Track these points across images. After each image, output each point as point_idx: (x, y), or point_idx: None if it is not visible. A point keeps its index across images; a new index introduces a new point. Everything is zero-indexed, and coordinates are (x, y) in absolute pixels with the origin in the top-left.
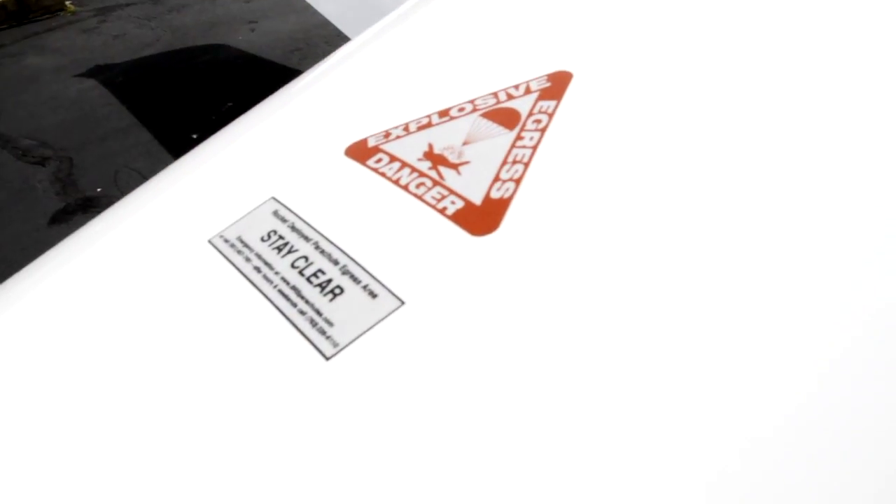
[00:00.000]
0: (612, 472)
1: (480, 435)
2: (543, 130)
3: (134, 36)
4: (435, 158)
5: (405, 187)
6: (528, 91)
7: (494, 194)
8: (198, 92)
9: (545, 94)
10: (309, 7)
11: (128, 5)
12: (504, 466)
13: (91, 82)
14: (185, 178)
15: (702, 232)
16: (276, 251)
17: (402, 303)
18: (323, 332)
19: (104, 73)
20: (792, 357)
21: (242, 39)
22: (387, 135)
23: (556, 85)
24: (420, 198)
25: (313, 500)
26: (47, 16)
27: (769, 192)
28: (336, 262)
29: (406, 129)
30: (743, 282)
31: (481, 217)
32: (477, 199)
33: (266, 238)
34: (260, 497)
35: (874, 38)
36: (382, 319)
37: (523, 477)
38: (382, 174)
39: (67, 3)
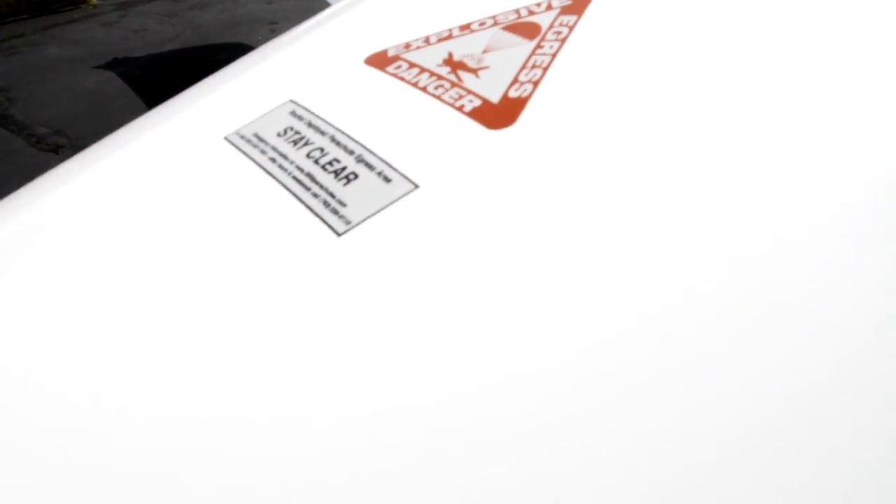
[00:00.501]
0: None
1: (482, 310)
2: (563, 41)
3: (154, 31)
4: (454, 64)
5: (423, 89)
6: (549, 7)
7: (512, 94)
8: None
9: (566, 10)
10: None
11: (149, 1)
12: (500, 345)
13: (109, 74)
14: (208, 91)
15: (700, 150)
16: (291, 144)
17: (416, 186)
18: (335, 212)
19: (122, 67)
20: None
21: (262, 40)
22: (407, 45)
23: (578, 2)
24: (438, 97)
25: (325, 365)
26: (69, 7)
27: (774, 134)
28: (351, 152)
29: (426, 40)
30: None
31: (498, 113)
32: (495, 98)
33: (282, 133)
34: (277, 361)
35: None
36: (396, 201)
37: (519, 358)
38: (401, 78)
39: None
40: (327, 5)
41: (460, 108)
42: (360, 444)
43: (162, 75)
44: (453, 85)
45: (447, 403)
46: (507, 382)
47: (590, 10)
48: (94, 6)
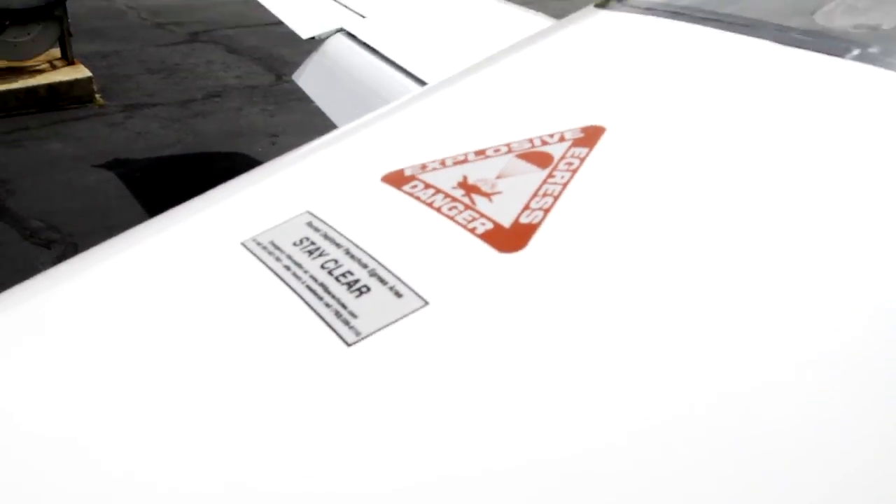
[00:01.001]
0: (621, 474)
1: (488, 432)
2: (574, 171)
3: (157, 135)
4: (469, 187)
5: (437, 209)
6: (562, 139)
7: (523, 219)
8: None
9: (578, 142)
10: (331, 127)
11: (155, 105)
12: (502, 468)
13: (108, 174)
14: (225, 196)
15: (710, 274)
16: (307, 254)
17: (426, 303)
18: (346, 323)
19: (122, 167)
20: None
21: (261, 151)
22: (424, 167)
23: (590, 136)
24: (451, 218)
25: (331, 477)
26: (76, 105)
27: (778, 274)
28: (365, 266)
29: (443, 163)
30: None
31: (509, 237)
32: (506, 223)
33: (298, 243)
34: (282, 472)
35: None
36: (406, 316)
37: (517, 483)
38: (416, 197)
39: (97, 95)
40: (331, 122)
41: (472, 231)
42: None
43: (161, 178)
44: (467, 207)
45: None
46: None
47: (601, 144)
48: (101, 106)
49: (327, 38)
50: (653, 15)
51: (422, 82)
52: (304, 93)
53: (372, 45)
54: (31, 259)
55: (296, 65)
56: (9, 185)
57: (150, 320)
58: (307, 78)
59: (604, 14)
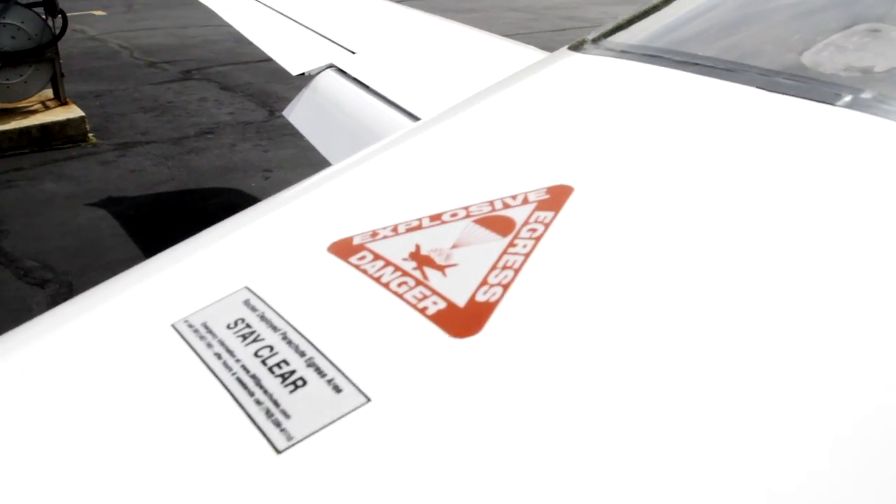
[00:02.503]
0: None
1: None
2: (538, 239)
3: (150, 172)
4: (421, 259)
5: (386, 285)
6: (525, 202)
7: (480, 297)
8: None
9: (543, 206)
10: (324, 162)
11: (148, 143)
12: None
13: (102, 212)
14: (164, 267)
15: (686, 352)
16: (240, 339)
17: (368, 400)
18: (278, 424)
19: (116, 205)
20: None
21: (255, 186)
22: (374, 234)
23: (555, 197)
24: (400, 296)
25: None
26: (69, 145)
27: (765, 318)
28: (302, 354)
29: (395, 230)
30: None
31: (463, 319)
32: (460, 301)
33: (232, 325)
34: None
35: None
36: (344, 416)
37: None
38: (364, 271)
39: (90, 134)
40: (324, 159)
41: (423, 311)
42: None
43: (155, 216)
44: (418, 283)
45: None
46: None
47: (567, 207)
48: (94, 144)
49: (318, 73)
50: (628, 59)
51: (413, 116)
52: (295, 129)
53: (362, 80)
54: (26, 299)
55: (288, 100)
56: (3, 226)
57: (61, 421)
58: (298, 113)
59: (577, 58)
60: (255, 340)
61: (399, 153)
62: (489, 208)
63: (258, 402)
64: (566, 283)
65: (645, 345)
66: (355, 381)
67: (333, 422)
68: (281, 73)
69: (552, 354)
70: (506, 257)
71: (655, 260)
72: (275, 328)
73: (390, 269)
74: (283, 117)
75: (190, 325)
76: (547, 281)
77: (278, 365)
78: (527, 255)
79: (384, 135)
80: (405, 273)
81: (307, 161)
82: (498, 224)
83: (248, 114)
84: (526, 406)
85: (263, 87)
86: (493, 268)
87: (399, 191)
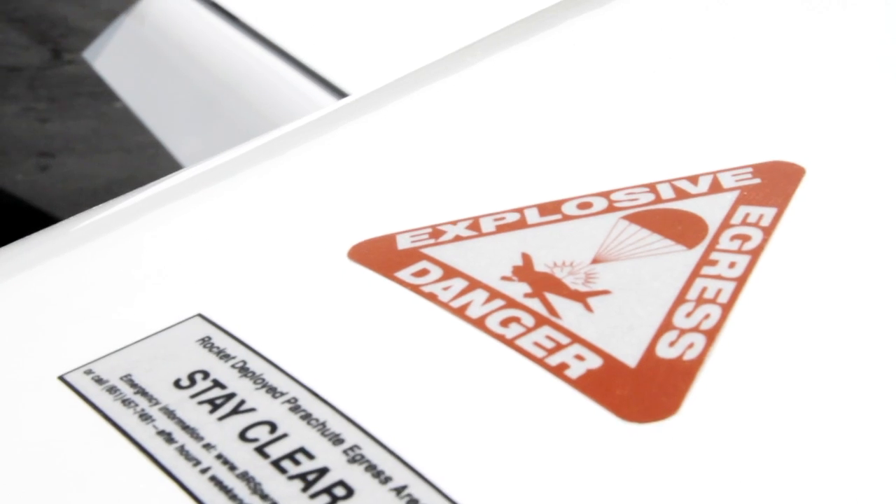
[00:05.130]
0: None
1: None
2: (756, 253)
3: None
4: (538, 280)
5: (479, 322)
6: (717, 187)
7: (664, 352)
8: None
9: (753, 196)
10: (144, 147)
11: None
12: None
13: None
14: (37, 274)
15: None
16: (206, 407)
17: None
18: None
19: None
20: None
21: (23, 181)
22: (435, 232)
23: (774, 182)
24: (512, 343)
25: None
26: None
27: None
28: (338, 439)
29: (475, 226)
30: None
31: (640, 389)
32: (629, 357)
33: (186, 383)
34: None
35: None
36: None
37: None
38: (432, 297)
39: None
40: (146, 128)
41: (559, 371)
42: None
43: None
44: (541, 322)
45: None
46: None
47: (798, 200)
48: None
49: None
50: None
51: (317, 76)
52: (101, 82)
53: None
54: None
55: (89, 34)
56: None
57: None
58: (109, 57)
59: None
60: (235, 411)
61: (447, 83)
62: (650, 196)
63: None
64: (814, 325)
65: None
66: (450, 493)
67: None
68: None
69: (796, 447)
70: (701, 281)
71: None
72: (273, 391)
73: (482, 293)
74: (78, 63)
75: (99, 380)
76: (781, 324)
77: (292, 457)
78: (740, 280)
79: (266, 92)
80: (512, 304)
81: (115, 141)
82: (673, 224)
83: (13, 54)
84: None
85: (45, 7)
86: (681, 299)
87: (472, 156)
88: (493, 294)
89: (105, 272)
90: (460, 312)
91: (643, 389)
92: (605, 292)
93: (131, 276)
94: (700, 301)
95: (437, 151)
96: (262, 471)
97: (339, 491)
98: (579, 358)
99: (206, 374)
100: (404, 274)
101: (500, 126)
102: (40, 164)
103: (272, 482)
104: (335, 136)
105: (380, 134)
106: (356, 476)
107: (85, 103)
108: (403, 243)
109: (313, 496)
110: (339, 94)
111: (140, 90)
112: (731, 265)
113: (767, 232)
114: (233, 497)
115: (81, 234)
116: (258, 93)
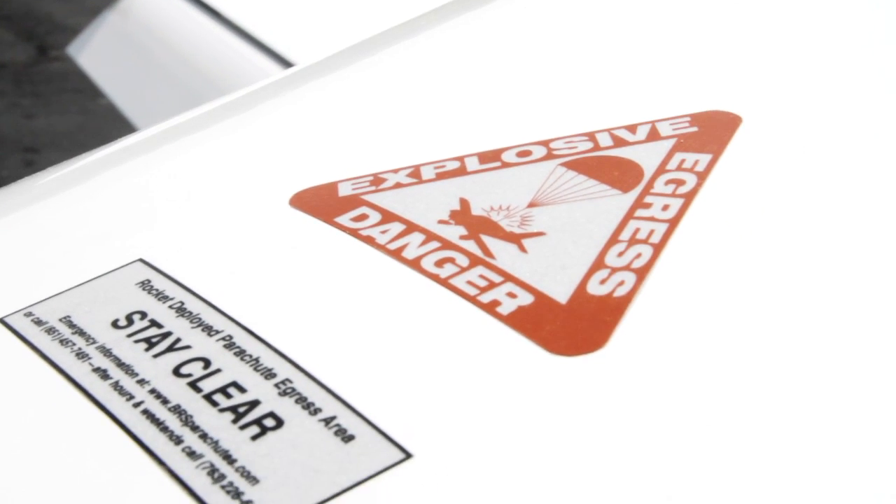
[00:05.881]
0: None
1: None
2: (690, 196)
3: None
4: (475, 223)
5: (414, 263)
6: (654, 135)
7: (595, 289)
8: None
9: (689, 143)
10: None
11: None
12: None
13: None
14: None
15: None
16: (142, 345)
17: (408, 456)
18: (237, 496)
19: None
20: None
21: (8, 176)
22: (376, 180)
23: (711, 130)
24: (445, 282)
25: None
26: None
27: None
28: (270, 374)
29: (416, 173)
30: None
31: (569, 324)
32: (560, 294)
33: (123, 323)
34: None
35: None
36: (364, 481)
37: None
38: (369, 240)
39: None
40: (131, 124)
41: (490, 307)
42: None
43: None
44: (476, 262)
45: None
46: None
47: (732, 148)
48: None
49: None
50: None
51: (286, 62)
52: (85, 77)
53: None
54: None
55: (72, 31)
56: None
57: None
58: (93, 53)
59: None
60: (171, 348)
61: (386, 42)
62: (589, 144)
63: (192, 454)
64: (743, 267)
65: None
66: (378, 423)
67: (345, 491)
68: None
69: (719, 382)
70: (634, 223)
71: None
72: (209, 328)
73: (419, 236)
74: (63, 59)
75: (39, 321)
76: (707, 264)
77: (224, 391)
78: (672, 222)
79: (246, 84)
80: (448, 245)
81: (104, 137)
82: (610, 169)
83: (1, 50)
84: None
85: (30, 5)
86: (614, 240)
87: (411, 105)
88: (430, 236)
89: (52, 224)
90: (396, 254)
91: (572, 324)
92: (540, 234)
93: (77, 226)
94: (632, 241)
95: (381, 105)
96: (193, 404)
97: (269, 422)
98: (511, 295)
99: (143, 315)
100: (343, 219)
101: (443, 78)
102: (26, 160)
103: (203, 414)
104: (285, 97)
105: (327, 92)
106: (286, 408)
107: (70, 99)
108: (344, 190)
109: (243, 427)
110: None
111: (124, 85)
112: (665, 208)
113: (702, 177)
114: (164, 429)
115: (32, 191)
116: (232, 77)
